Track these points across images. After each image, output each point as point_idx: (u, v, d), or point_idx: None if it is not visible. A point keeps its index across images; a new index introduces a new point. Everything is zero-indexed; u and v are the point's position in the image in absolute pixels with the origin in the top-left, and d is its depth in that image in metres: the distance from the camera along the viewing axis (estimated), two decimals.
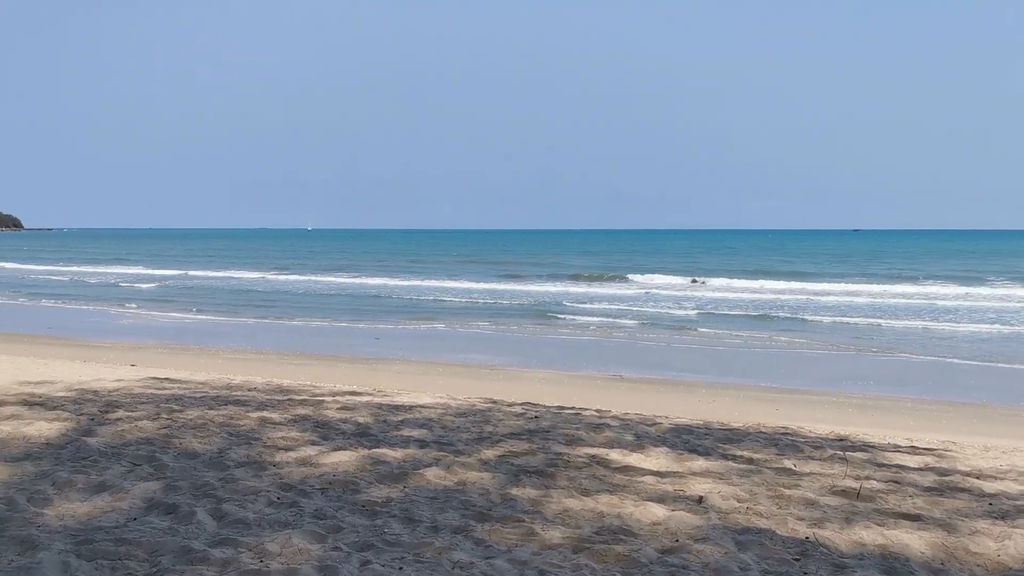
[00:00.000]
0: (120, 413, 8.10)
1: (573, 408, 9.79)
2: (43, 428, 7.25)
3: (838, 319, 24.94)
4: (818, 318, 25.23)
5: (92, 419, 7.75)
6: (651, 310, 28.22)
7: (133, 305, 29.43)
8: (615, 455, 6.98)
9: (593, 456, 6.90)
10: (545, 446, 7.24)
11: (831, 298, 31.92)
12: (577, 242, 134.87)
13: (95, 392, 9.42)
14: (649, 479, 6.22)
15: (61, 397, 8.96)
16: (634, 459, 6.89)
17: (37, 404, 8.44)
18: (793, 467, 6.84)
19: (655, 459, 6.93)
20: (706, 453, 7.24)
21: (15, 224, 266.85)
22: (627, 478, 6.25)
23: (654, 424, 8.68)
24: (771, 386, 13.67)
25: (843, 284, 38.63)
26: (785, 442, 7.92)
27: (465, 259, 70.35)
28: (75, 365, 12.77)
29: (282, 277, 45.93)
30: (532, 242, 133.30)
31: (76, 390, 9.54)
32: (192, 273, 49.51)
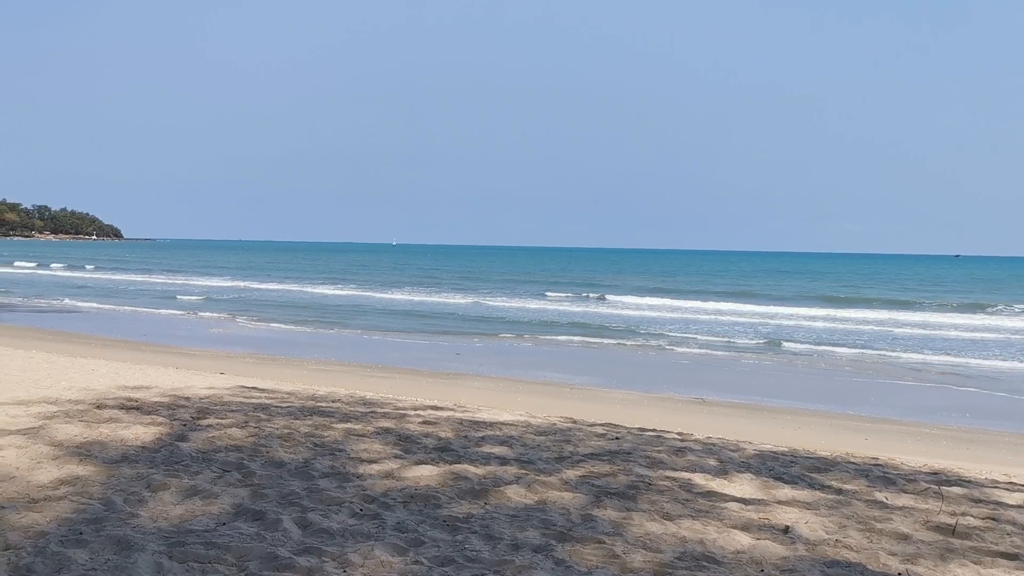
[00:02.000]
0: (211, 420, 8.34)
1: (654, 430, 9.67)
2: (139, 432, 7.51)
3: (929, 354, 24.06)
4: (906, 348, 24.41)
5: (185, 425, 7.99)
6: (731, 333, 27.73)
7: (222, 315, 30.33)
8: (698, 480, 6.86)
9: (675, 480, 6.80)
10: (627, 468, 7.16)
11: (913, 330, 30.77)
12: (652, 261, 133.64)
13: (187, 399, 9.72)
14: (733, 506, 6.09)
15: (156, 402, 9.27)
16: (717, 485, 6.76)
17: (134, 408, 8.75)
18: (885, 500, 6.61)
19: (739, 485, 6.78)
20: (792, 481, 7.06)
21: (116, 234, 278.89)
22: (710, 504, 6.14)
23: (738, 449, 8.51)
24: (860, 415, 13.27)
25: (936, 314, 37.21)
26: (876, 473, 7.66)
27: (550, 276, 70.40)
28: (168, 371, 13.19)
29: (364, 292, 46.55)
30: (627, 261, 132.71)
31: (170, 396, 9.86)
32: (277, 286, 50.71)
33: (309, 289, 48.38)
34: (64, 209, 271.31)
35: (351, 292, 46.36)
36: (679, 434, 9.48)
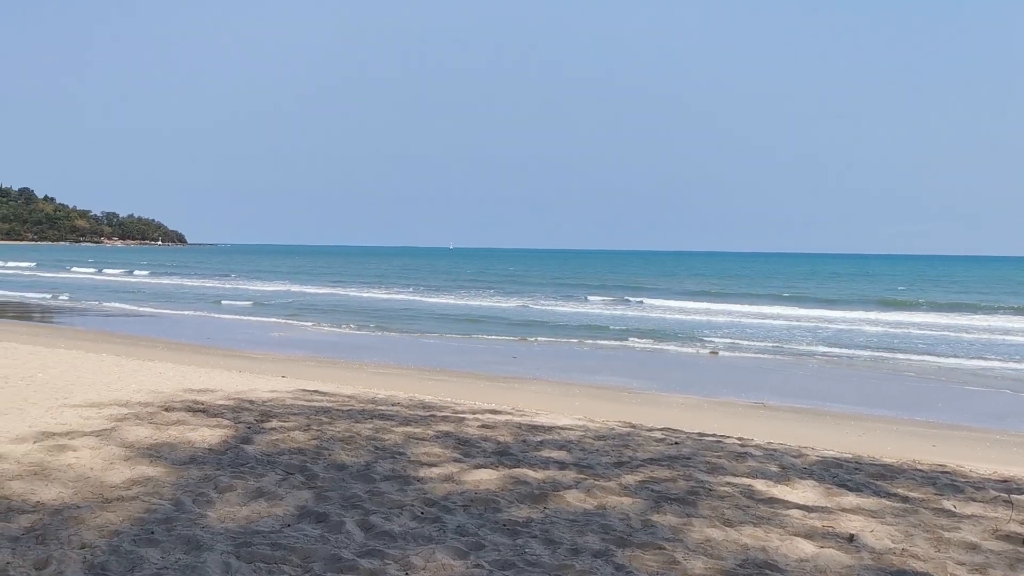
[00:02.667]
0: (274, 423, 8.50)
1: (714, 435, 9.57)
2: (206, 434, 7.70)
3: (994, 359, 23.38)
4: (971, 353, 23.77)
5: (249, 427, 8.16)
6: (787, 337, 27.30)
7: (281, 319, 30.86)
8: (759, 486, 6.79)
9: (736, 486, 6.73)
10: (686, 473, 7.12)
11: (978, 335, 29.86)
12: (710, 263, 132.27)
13: (251, 402, 9.92)
14: (796, 513, 6.01)
15: (221, 405, 9.48)
16: (779, 491, 6.68)
17: (200, 411, 8.97)
18: (953, 508, 6.46)
19: (802, 492, 6.69)
20: (857, 489, 6.93)
21: (181, 239, 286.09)
22: (772, 511, 6.06)
23: (800, 455, 8.38)
24: (927, 420, 12.97)
25: (1001, 318, 36.07)
26: (944, 481, 7.48)
27: (597, 279, 70.18)
28: (232, 375, 13.47)
29: (417, 296, 46.89)
30: (670, 263, 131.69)
31: (234, 399, 10.08)
32: (333, 290, 51.33)
33: (364, 293, 48.92)
34: (131, 216, 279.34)
35: (404, 296, 46.71)
36: (739, 439, 9.38)
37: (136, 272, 72.42)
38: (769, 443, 9.20)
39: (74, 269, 76.35)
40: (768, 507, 6.15)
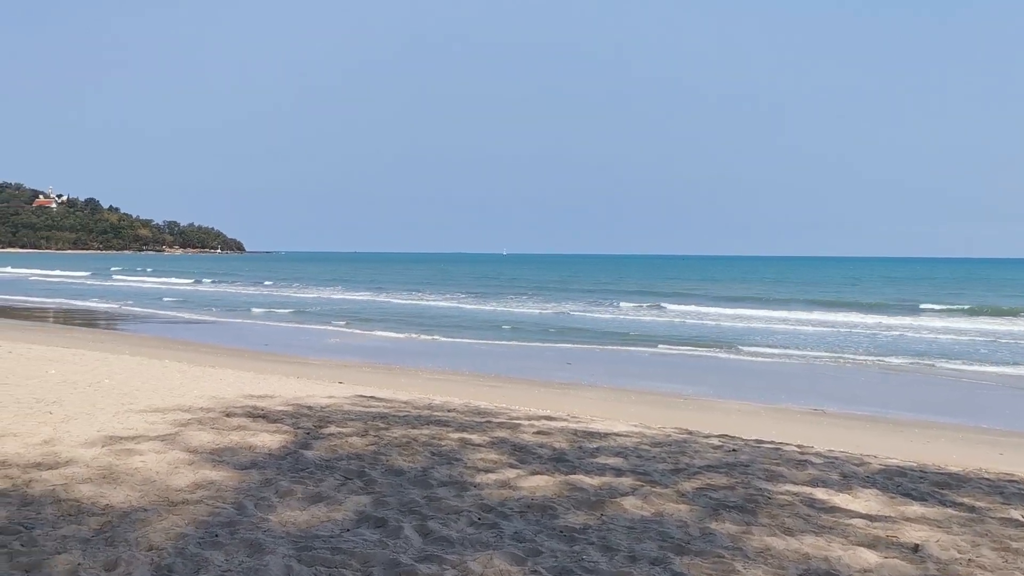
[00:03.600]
0: (332, 428, 8.62)
1: (772, 442, 9.45)
2: (266, 439, 7.83)
3: None
4: None
5: (308, 433, 8.28)
6: (843, 344, 26.80)
7: (338, 324, 31.25)
8: (820, 494, 6.68)
9: (796, 494, 6.64)
10: (745, 481, 7.04)
11: None
12: (765, 268, 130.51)
13: (309, 407, 10.06)
14: (858, 522, 5.90)
15: (280, 411, 9.63)
16: (841, 500, 6.56)
17: (260, 416, 9.13)
18: (1021, 518, 6.28)
19: (864, 501, 6.57)
20: (921, 498, 6.78)
21: (239, 247, 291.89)
22: (834, 519, 5.96)
23: (862, 463, 8.23)
24: (993, 428, 12.63)
25: None
26: (1012, 490, 7.28)
27: (648, 285, 69.73)
28: (290, 381, 13.68)
29: (458, 303, 47.00)
30: (709, 268, 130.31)
31: (293, 405, 10.24)
32: (386, 297, 51.80)
33: (410, 300, 49.26)
34: (191, 224, 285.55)
35: (446, 303, 46.82)
36: (798, 446, 9.24)
37: (194, 280, 73.91)
38: (829, 451, 9.05)
39: (134, 277, 78.38)
40: (830, 516, 6.06)
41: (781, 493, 6.64)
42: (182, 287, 63.10)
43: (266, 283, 70.22)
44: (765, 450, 8.75)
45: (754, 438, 9.76)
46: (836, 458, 8.49)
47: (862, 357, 22.54)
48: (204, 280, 73.89)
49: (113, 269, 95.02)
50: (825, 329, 31.85)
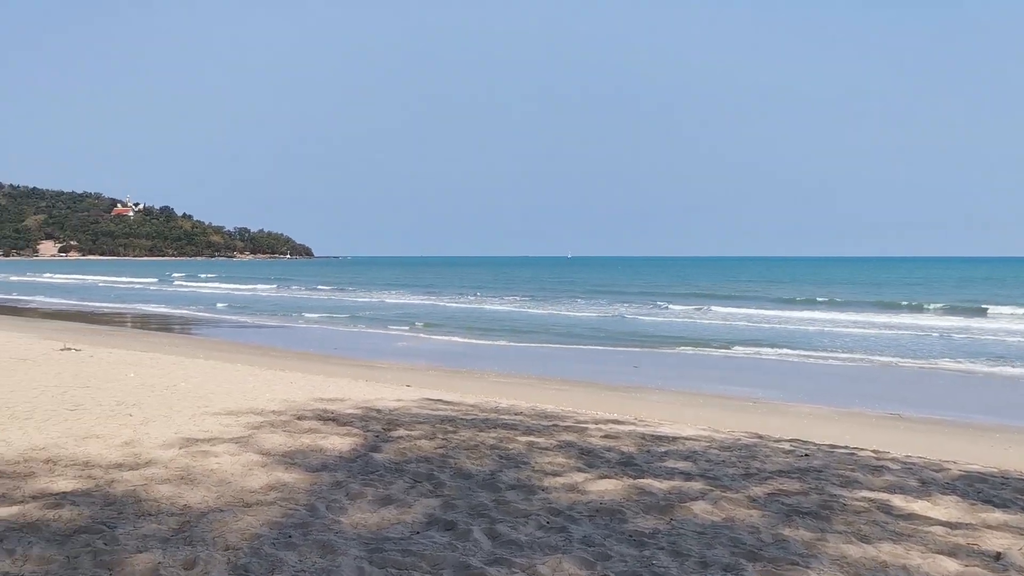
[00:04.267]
0: (400, 431, 8.70)
1: (846, 447, 9.23)
2: (336, 442, 7.95)
3: None
4: None
5: (377, 436, 8.38)
6: (917, 346, 26.05)
7: (403, 329, 31.57)
8: (897, 501, 6.50)
9: (873, 500, 6.47)
10: (818, 486, 6.89)
11: None
12: (843, 269, 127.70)
13: (378, 411, 10.18)
14: (938, 529, 5.73)
15: (349, 414, 9.76)
16: (919, 507, 6.38)
17: (330, 419, 9.27)
18: None
19: (944, 508, 6.37)
20: (1004, 505, 6.55)
21: (308, 252, 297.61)
22: (912, 527, 5.80)
23: (941, 469, 7.98)
24: None
25: None
26: None
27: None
28: (359, 384, 13.86)
29: (530, 308, 46.97)
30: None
31: (362, 408, 10.37)
32: (444, 302, 52.05)
33: (478, 304, 49.47)
34: (261, 230, 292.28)
35: (506, 307, 46.81)
36: (874, 452, 9.01)
37: (264, 285, 75.39)
38: (907, 456, 8.81)
39: (195, 283, 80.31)
40: (908, 523, 5.89)
41: (857, 499, 6.48)
42: (240, 292, 64.25)
43: (333, 287, 71.28)
44: (839, 455, 8.55)
45: (827, 443, 9.55)
46: (914, 464, 8.26)
47: (935, 359, 21.88)
48: (272, 285, 75.29)
49: (175, 275, 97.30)
50: (893, 332, 30.96)
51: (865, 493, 6.74)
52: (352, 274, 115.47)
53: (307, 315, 38.73)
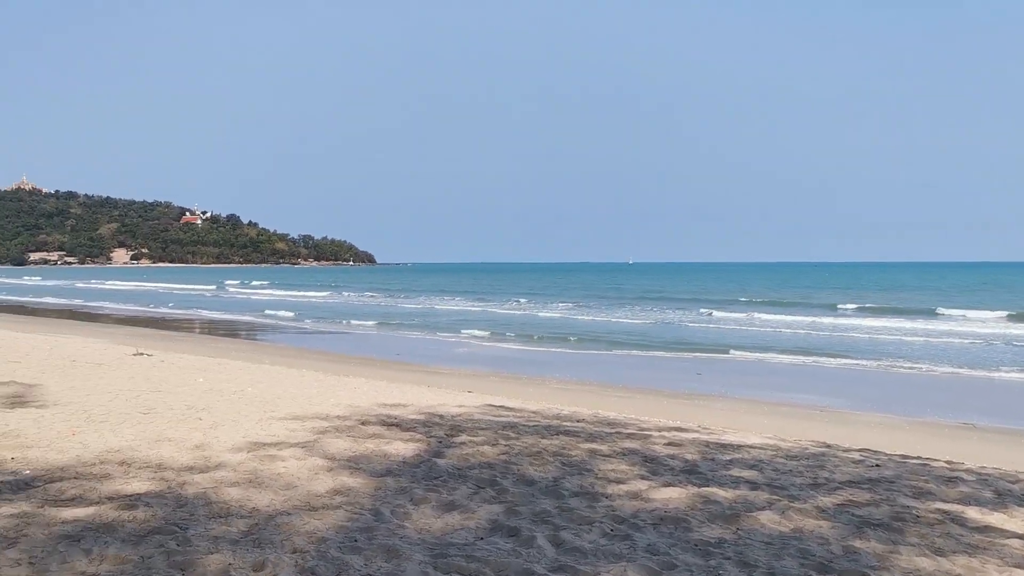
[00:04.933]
0: (463, 437, 8.74)
1: (919, 458, 8.99)
2: (400, 447, 8.02)
3: None
4: None
5: (440, 441, 8.43)
6: (992, 353, 25.23)
7: (464, 335, 31.71)
8: (973, 513, 6.31)
9: (946, 512, 6.29)
10: (890, 497, 6.72)
11: None
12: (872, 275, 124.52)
13: (441, 416, 10.24)
14: (1015, 543, 5.54)
15: (413, 420, 9.84)
16: (995, 519, 6.18)
17: (394, 425, 9.35)
18: None
19: (1021, 520, 6.16)
20: None
21: (370, 259, 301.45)
22: (988, 539, 5.62)
23: (1018, 481, 7.72)
24: None
25: None
26: None
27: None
28: (421, 390, 13.97)
29: (587, 316, 46.73)
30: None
31: (425, 413, 10.44)
32: (498, 308, 52.12)
33: (539, 311, 49.43)
34: (325, 237, 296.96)
35: (560, 313, 46.68)
36: (947, 462, 8.76)
37: (326, 291, 76.42)
38: (982, 467, 8.54)
39: (248, 290, 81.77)
40: (983, 536, 5.71)
41: (930, 511, 6.31)
42: (311, 299, 65.16)
43: (396, 294, 71.95)
44: (911, 466, 8.33)
45: (898, 453, 9.32)
46: (989, 475, 8.01)
47: (1007, 368, 21.19)
48: (332, 292, 76.24)
49: (228, 282, 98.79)
50: (959, 341, 30.04)
51: (939, 505, 6.55)
52: (415, 280, 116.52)
53: (364, 322, 39.12)
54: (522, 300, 60.32)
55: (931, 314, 43.52)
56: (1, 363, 14.36)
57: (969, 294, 65.85)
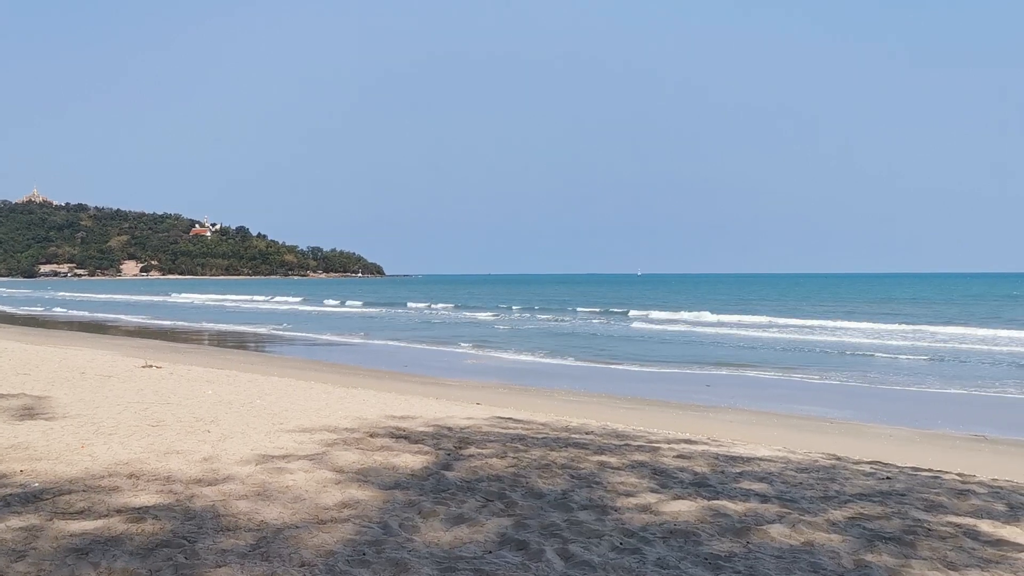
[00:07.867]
0: (472, 450, 8.72)
1: (930, 470, 8.93)
2: (408, 460, 8.00)
3: None
4: None
5: (448, 454, 8.41)
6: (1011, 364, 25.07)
7: (471, 346, 31.68)
8: (985, 526, 6.26)
9: (959, 526, 6.24)
10: (901, 510, 6.67)
11: None
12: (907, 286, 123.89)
13: (449, 428, 10.22)
14: None
15: (421, 432, 9.82)
16: (1008, 532, 6.13)
17: (402, 437, 9.34)
18: None
19: None
20: None
21: (379, 271, 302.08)
22: (1001, 553, 5.57)
23: None
24: None
25: None
26: None
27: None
28: (429, 402, 13.95)
29: (599, 326, 46.70)
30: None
31: (433, 426, 10.42)
32: (518, 317, 52.10)
33: (551, 322, 49.40)
34: (334, 249, 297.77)
35: (581, 324, 46.66)
36: (959, 475, 8.70)
37: (330, 302, 76.47)
38: (994, 480, 8.48)
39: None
40: (996, 549, 5.66)
41: (942, 525, 6.26)
42: (319, 310, 65.31)
43: (403, 305, 71.99)
44: (923, 479, 8.28)
45: (910, 465, 9.26)
46: (1001, 488, 7.95)
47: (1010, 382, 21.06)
48: (338, 302, 76.32)
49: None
50: (983, 347, 29.92)
51: (951, 518, 6.50)
52: (423, 292, 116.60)
53: (374, 333, 39.13)
54: (535, 309, 60.28)
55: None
56: (11, 375, 14.41)
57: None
